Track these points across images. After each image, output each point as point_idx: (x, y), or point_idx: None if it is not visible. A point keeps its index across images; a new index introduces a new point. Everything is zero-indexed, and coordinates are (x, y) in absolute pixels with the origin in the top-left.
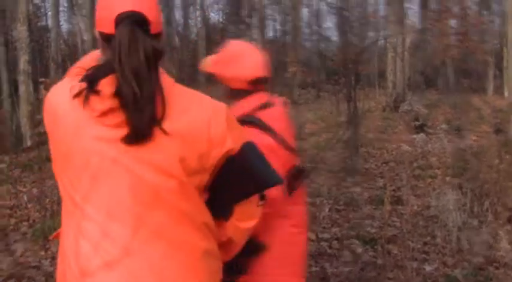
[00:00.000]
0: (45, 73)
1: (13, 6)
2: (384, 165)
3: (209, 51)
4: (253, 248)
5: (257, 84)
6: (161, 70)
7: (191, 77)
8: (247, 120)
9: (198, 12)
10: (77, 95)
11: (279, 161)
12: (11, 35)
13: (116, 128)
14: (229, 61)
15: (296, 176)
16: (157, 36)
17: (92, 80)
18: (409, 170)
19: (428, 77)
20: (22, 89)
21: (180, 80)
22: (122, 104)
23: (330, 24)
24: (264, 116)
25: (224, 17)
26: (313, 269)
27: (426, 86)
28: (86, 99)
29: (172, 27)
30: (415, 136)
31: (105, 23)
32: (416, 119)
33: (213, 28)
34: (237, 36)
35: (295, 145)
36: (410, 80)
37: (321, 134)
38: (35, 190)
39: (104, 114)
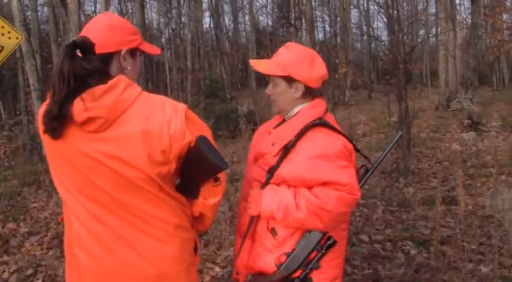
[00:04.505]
0: None
1: (65, 18)
2: (438, 164)
3: (259, 55)
4: (327, 243)
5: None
6: (128, 82)
7: (242, 81)
8: (323, 124)
9: (247, 17)
10: None
11: (353, 161)
12: None
13: (94, 133)
14: (308, 62)
15: (363, 175)
16: (104, 56)
17: None
18: (462, 169)
19: (482, 73)
20: None
21: (231, 84)
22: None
23: (380, 24)
24: (329, 119)
25: (273, 21)
26: (366, 271)
27: (480, 83)
28: None
29: (223, 33)
30: (465, 135)
31: None
32: (470, 117)
33: (263, 32)
34: (287, 39)
35: None
36: (463, 78)
37: (373, 135)
38: None
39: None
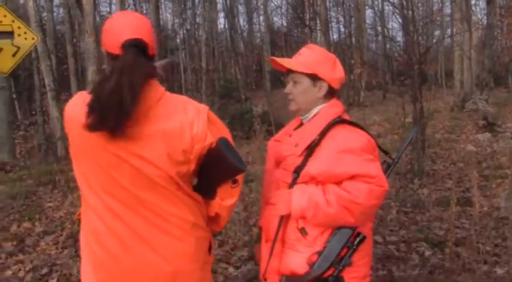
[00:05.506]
0: None
1: (81, 19)
2: (452, 166)
3: (274, 56)
4: (357, 239)
5: None
6: (154, 82)
7: (256, 82)
8: (345, 121)
9: (261, 18)
10: None
11: (377, 156)
12: (79, 47)
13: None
14: (331, 63)
15: (385, 170)
16: (152, 58)
17: None
18: (477, 171)
19: (497, 74)
20: None
21: (246, 85)
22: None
23: (395, 24)
24: (348, 118)
25: (287, 22)
26: (380, 272)
27: (495, 84)
28: None
29: (237, 33)
30: (480, 136)
31: (113, 46)
32: (485, 118)
33: (277, 33)
34: (301, 40)
35: None
36: (479, 79)
37: (387, 136)
38: None
39: None
